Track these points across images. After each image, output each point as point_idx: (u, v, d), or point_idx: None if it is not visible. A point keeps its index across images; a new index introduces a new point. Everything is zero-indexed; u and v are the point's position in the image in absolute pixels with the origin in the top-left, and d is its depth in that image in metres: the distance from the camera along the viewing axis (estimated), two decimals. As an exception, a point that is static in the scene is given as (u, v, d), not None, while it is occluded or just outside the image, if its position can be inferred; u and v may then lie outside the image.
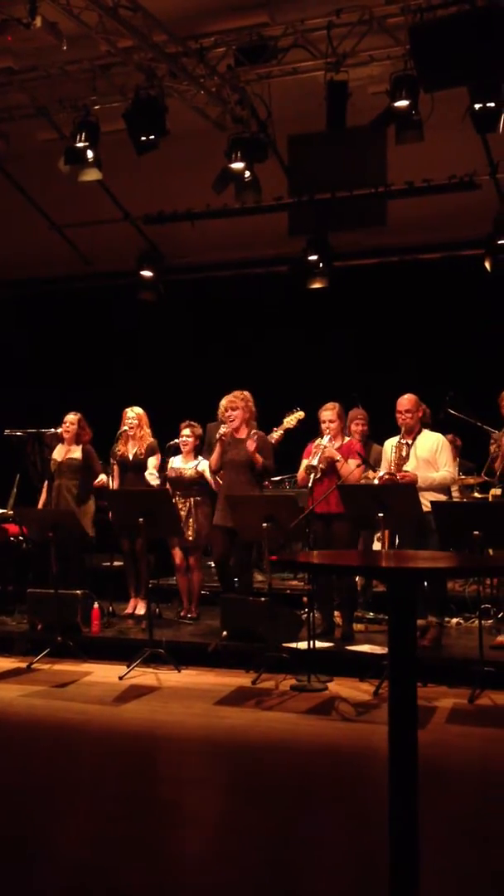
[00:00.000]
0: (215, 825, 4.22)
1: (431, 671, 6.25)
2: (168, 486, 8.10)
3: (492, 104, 7.56)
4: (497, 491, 7.32)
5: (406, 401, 7.01)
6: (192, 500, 8.14)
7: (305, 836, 3.93)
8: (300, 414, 8.44)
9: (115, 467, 8.27)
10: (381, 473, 6.98)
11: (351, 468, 7.10)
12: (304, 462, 7.24)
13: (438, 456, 6.90)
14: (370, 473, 7.40)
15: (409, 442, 6.92)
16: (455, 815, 4.14)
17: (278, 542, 6.86)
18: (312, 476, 6.95)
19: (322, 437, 7.20)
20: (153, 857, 3.68)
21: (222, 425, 7.53)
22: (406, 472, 6.77)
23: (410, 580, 2.96)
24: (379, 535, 6.51)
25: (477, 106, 7.58)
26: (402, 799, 2.78)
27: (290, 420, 8.50)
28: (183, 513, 8.06)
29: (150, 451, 8.21)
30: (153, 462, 8.19)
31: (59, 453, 8.34)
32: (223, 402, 7.64)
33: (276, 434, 8.34)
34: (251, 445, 7.33)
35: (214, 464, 7.63)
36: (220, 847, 3.93)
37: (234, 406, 7.50)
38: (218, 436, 7.51)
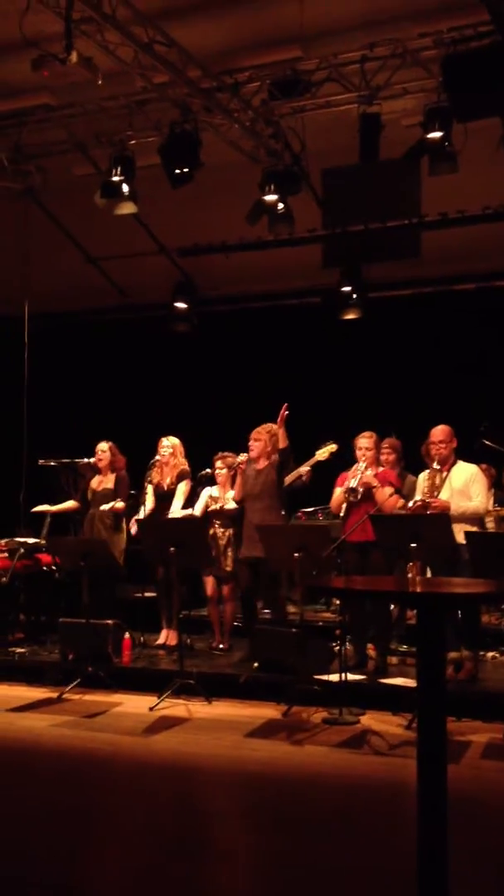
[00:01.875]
0: (246, 858, 4.14)
1: (466, 705, 6.13)
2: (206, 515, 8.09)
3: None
4: None
5: (440, 432, 6.96)
6: (231, 530, 8.10)
7: (336, 869, 3.84)
8: (333, 447, 8.33)
9: (148, 496, 8.23)
10: (412, 503, 6.91)
11: (386, 495, 7.04)
12: (338, 490, 7.20)
13: (472, 486, 6.82)
14: (401, 503, 7.33)
15: (444, 473, 6.86)
16: (489, 851, 4.03)
17: (310, 571, 6.80)
18: (349, 499, 6.91)
19: (359, 464, 7.18)
20: (185, 892, 3.61)
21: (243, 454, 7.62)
22: (438, 498, 6.71)
23: (441, 606, 2.91)
24: (410, 565, 6.40)
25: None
26: (431, 833, 2.71)
27: (323, 453, 8.39)
28: (222, 543, 8.04)
29: (180, 478, 8.18)
30: (182, 489, 8.15)
31: (95, 482, 8.37)
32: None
33: (304, 469, 8.25)
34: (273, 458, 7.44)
35: (238, 496, 7.75)
36: (251, 880, 3.85)
37: (258, 437, 7.57)
38: (236, 464, 7.62)
